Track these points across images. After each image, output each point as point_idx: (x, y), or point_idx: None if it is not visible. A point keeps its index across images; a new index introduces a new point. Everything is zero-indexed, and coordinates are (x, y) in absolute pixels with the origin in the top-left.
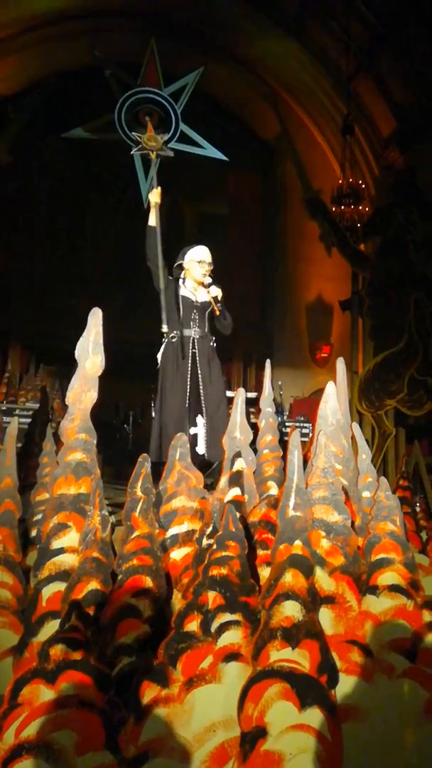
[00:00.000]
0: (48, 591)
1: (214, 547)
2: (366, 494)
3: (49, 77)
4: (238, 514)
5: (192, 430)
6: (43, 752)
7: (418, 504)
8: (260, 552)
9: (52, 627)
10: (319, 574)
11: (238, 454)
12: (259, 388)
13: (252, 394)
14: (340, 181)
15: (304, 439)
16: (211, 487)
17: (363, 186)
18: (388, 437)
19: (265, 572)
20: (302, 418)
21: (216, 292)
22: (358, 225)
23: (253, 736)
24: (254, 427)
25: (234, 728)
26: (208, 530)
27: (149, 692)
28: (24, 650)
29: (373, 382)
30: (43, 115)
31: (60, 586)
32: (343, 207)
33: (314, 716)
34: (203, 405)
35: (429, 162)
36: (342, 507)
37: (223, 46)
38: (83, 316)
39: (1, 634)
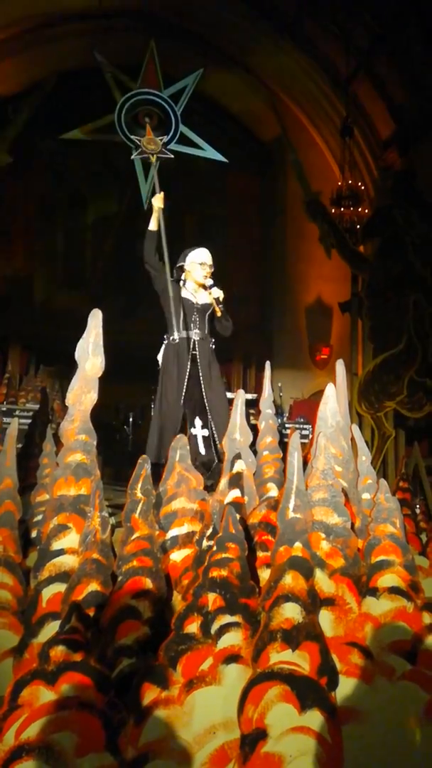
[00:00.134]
0: (48, 592)
1: (214, 548)
2: (366, 496)
3: (48, 78)
4: (238, 516)
5: (192, 432)
6: (44, 754)
7: (417, 506)
8: (260, 554)
9: (52, 628)
10: (319, 576)
11: (237, 456)
12: (258, 389)
13: (252, 396)
14: (339, 183)
15: (303, 440)
16: (211, 488)
17: (362, 188)
18: (388, 439)
19: (265, 574)
20: (302, 420)
21: (218, 293)
22: (358, 226)
23: (253, 738)
24: (254, 429)
25: (234, 730)
26: (208, 532)
27: (149, 694)
28: (24, 651)
29: (372, 383)
30: (42, 116)
31: (60, 588)
32: (342, 209)
33: (314, 718)
34: (206, 407)
35: (428, 163)
36: (342, 509)
37: (222, 48)
38: (83, 317)
39: (1, 635)
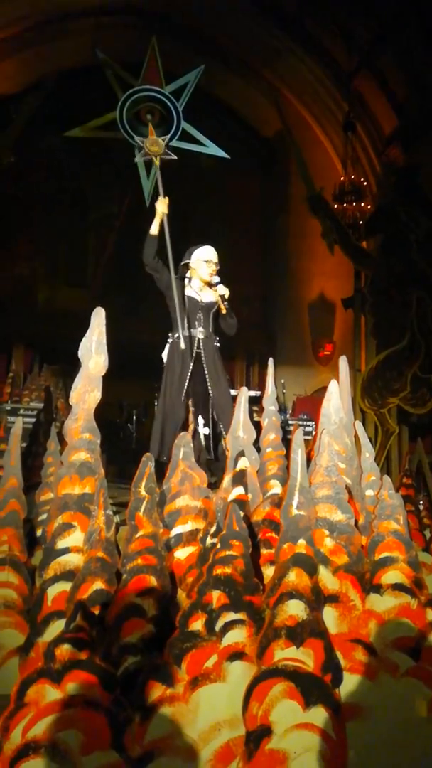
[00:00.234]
0: (53, 591)
1: (218, 546)
2: (369, 493)
3: (50, 76)
4: (241, 513)
5: (197, 429)
6: (50, 752)
7: (421, 502)
8: (264, 551)
9: (57, 627)
10: (323, 572)
11: (241, 453)
12: (261, 386)
13: (255, 393)
14: (342, 179)
15: (307, 437)
16: (214, 485)
17: (365, 183)
18: (392, 435)
19: (269, 571)
20: (305, 416)
21: (223, 291)
22: (360, 222)
23: (257, 735)
24: (257, 426)
25: (239, 727)
26: (212, 529)
27: (154, 691)
28: (30, 650)
29: (375, 380)
30: (44, 114)
31: (65, 586)
32: (345, 204)
33: (319, 715)
34: (210, 405)
35: (431, 159)
36: (345, 506)
37: (224, 44)
38: (86, 315)
39: (7, 633)
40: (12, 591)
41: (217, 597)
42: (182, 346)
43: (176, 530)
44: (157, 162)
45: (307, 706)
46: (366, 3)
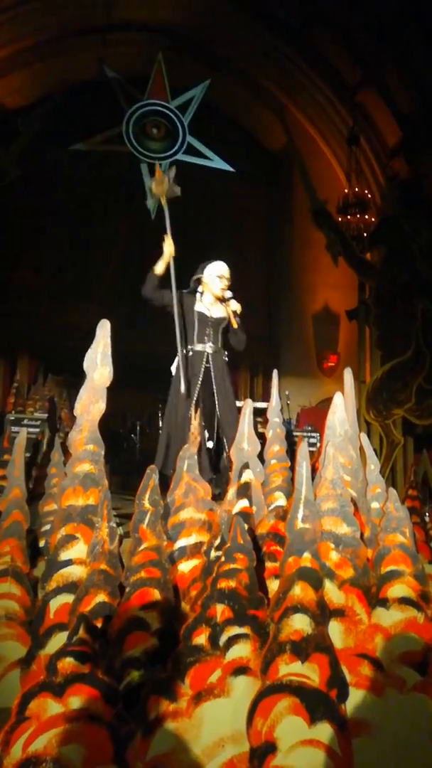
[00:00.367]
0: (56, 603)
1: (223, 559)
2: (375, 505)
3: (57, 90)
4: (246, 526)
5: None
6: (51, 767)
7: (427, 514)
8: (269, 564)
9: (59, 639)
10: (329, 586)
11: (246, 465)
12: (266, 397)
13: (260, 404)
14: (346, 191)
15: (311, 449)
16: (218, 497)
17: (369, 196)
18: (397, 447)
19: (273, 585)
20: (309, 428)
21: (236, 306)
22: (365, 234)
23: (262, 752)
24: (261, 437)
25: (243, 743)
26: (216, 542)
27: (157, 706)
28: (32, 662)
29: (380, 391)
30: (51, 127)
31: (68, 598)
32: (349, 217)
33: (324, 731)
34: (216, 419)
35: None
36: (351, 519)
37: (228, 58)
38: (90, 326)
39: (8, 645)
40: (14, 602)
41: (221, 611)
42: (182, 389)
43: (180, 543)
44: (164, 201)
45: (313, 722)
46: (370, 17)
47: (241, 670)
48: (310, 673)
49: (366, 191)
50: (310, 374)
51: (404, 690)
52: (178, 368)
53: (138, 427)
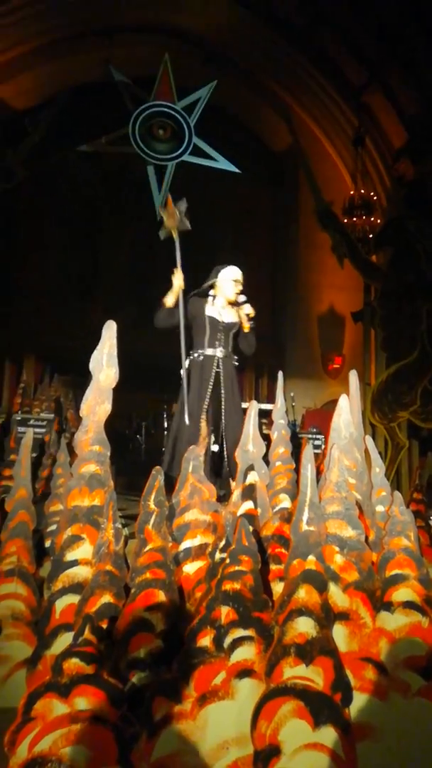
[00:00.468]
0: (61, 603)
1: (227, 561)
2: (380, 508)
3: (63, 92)
4: (251, 528)
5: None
6: (56, 767)
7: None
8: (273, 567)
9: (65, 640)
10: (333, 590)
11: (251, 467)
12: (270, 399)
13: (265, 406)
14: (352, 193)
15: (316, 450)
16: (223, 499)
17: (374, 197)
18: (402, 450)
19: (278, 587)
20: (315, 430)
21: (249, 310)
22: (370, 236)
23: (266, 755)
24: (266, 439)
25: (247, 746)
26: (221, 544)
27: (162, 708)
28: (37, 663)
29: (385, 393)
30: (57, 129)
31: (73, 599)
32: (354, 218)
33: (328, 735)
34: (222, 423)
35: None
36: (356, 522)
37: (234, 59)
38: (96, 327)
39: (14, 645)
40: (20, 602)
41: (225, 613)
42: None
43: (185, 544)
44: (175, 234)
45: (317, 725)
46: (376, 18)
47: (245, 672)
48: (314, 676)
49: (372, 193)
50: (315, 376)
51: (408, 694)
52: (188, 373)
53: (143, 428)
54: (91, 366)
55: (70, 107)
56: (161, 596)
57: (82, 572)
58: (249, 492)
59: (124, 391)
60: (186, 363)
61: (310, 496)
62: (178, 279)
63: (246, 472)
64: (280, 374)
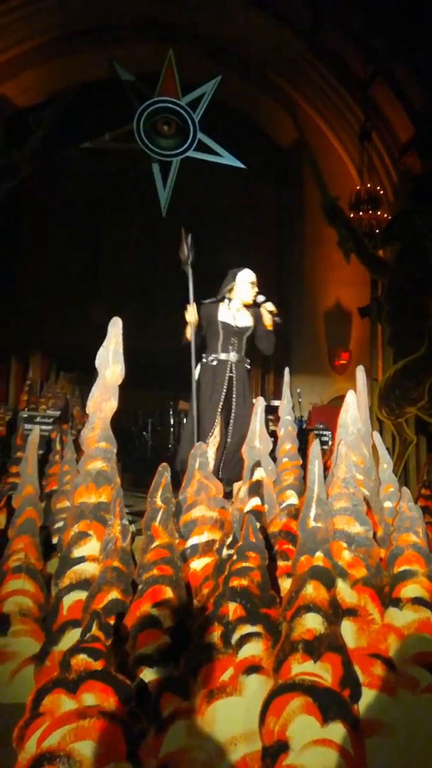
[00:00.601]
0: (69, 600)
1: (235, 557)
2: (388, 504)
3: (68, 89)
4: (258, 524)
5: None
6: (65, 763)
7: None
8: (281, 563)
9: (73, 636)
10: (341, 586)
11: (257, 464)
12: (277, 395)
13: (271, 402)
14: (358, 187)
15: (323, 447)
16: (230, 496)
17: (381, 192)
18: (409, 445)
19: (285, 583)
20: (321, 426)
21: (272, 307)
22: (377, 231)
23: (274, 750)
24: (273, 435)
25: (255, 742)
26: (229, 540)
27: (170, 704)
28: (45, 659)
29: (393, 389)
30: (62, 126)
31: (81, 595)
32: (361, 213)
33: (337, 731)
34: (230, 426)
35: None
36: (364, 518)
37: (239, 54)
38: (102, 324)
39: (22, 641)
40: (28, 599)
41: (233, 609)
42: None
43: (192, 541)
44: (188, 270)
45: (325, 721)
46: (382, 12)
47: (253, 668)
48: (322, 672)
49: (378, 187)
50: (322, 372)
51: (417, 690)
52: (201, 376)
53: (150, 425)
54: (97, 363)
55: (73, 105)
56: (168, 593)
57: (89, 569)
58: (256, 488)
59: (129, 388)
60: (197, 368)
61: (318, 492)
62: (190, 315)
63: (253, 469)
64: (287, 370)
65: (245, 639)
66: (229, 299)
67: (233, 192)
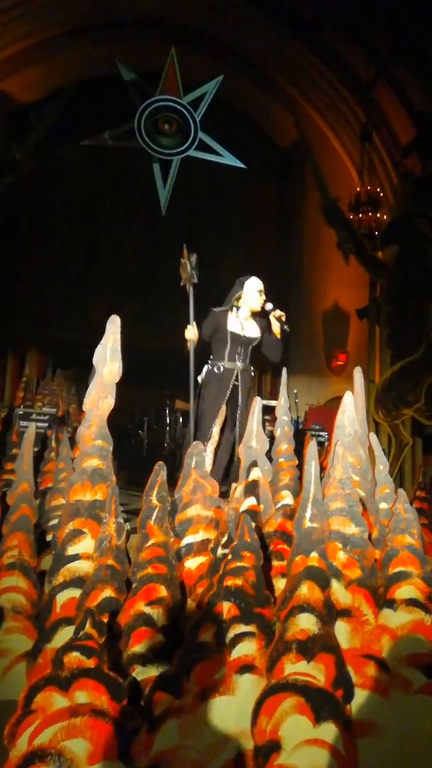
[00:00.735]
0: (62, 597)
1: (229, 557)
2: (383, 506)
3: (69, 85)
4: (253, 524)
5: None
6: (56, 760)
7: None
8: (275, 563)
9: (66, 634)
10: (336, 586)
11: (254, 464)
12: (274, 395)
13: (268, 403)
14: (358, 189)
15: (319, 447)
16: (226, 495)
17: (381, 194)
18: (405, 447)
19: (280, 583)
20: (317, 426)
21: (281, 313)
22: (376, 233)
23: (267, 750)
24: (270, 435)
25: (247, 741)
26: (224, 540)
27: (162, 702)
28: (38, 656)
29: (390, 391)
30: (63, 122)
31: (74, 593)
32: (360, 215)
33: (329, 731)
34: (236, 432)
35: None
36: (359, 519)
37: (241, 54)
38: (99, 321)
39: (15, 638)
40: (21, 596)
41: (227, 608)
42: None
43: (187, 540)
44: (188, 288)
45: (318, 721)
46: (384, 13)
47: (246, 668)
48: (315, 672)
49: (378, 189)
50: (319, 373)
51: (410, 691)
52: (206, 382)
53: (145, 424)
54: (95, 360)
55: (74, 101)
56: (163, 591)
57: (83, 566)
58: (252, 488)
59: (126, 386)
60: (202, 372)
61: (313, 492)
62: (190, 333)
63: (249, 469)
64: (284, 371)
65: (239, 638)
66: (237, 307)
67: (233, 192)
